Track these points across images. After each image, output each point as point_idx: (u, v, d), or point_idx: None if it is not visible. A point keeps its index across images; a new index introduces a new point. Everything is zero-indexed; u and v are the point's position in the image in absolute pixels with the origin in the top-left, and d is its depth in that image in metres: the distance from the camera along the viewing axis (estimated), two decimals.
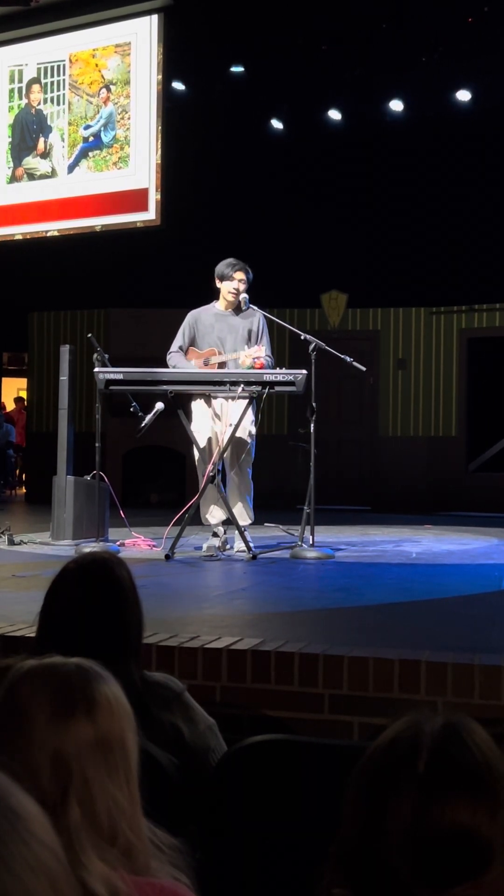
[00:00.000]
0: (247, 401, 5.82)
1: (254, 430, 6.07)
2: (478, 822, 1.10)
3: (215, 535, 6.03)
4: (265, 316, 6.16)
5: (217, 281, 6.16)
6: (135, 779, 1.21)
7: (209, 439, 6.01)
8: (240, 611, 3.96)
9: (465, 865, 1.10)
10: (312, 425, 5.80)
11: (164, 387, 5.76)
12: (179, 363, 6.04)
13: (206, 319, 6.17)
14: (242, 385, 5.68)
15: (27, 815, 0.82)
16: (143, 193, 8.91)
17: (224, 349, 6.06)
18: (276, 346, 10.80)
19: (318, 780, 1.90)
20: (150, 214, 8.86)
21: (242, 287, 6.10)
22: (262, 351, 5.85)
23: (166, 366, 6.08)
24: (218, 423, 5.96)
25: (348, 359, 6.08)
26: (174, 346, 6.16)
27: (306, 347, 5.94)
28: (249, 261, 6.25)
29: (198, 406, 6.06)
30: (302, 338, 6.05)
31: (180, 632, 3.23)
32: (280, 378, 5.66)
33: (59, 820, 1.10)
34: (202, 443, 5.96)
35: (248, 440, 6.04)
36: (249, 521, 6.14)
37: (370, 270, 11.04)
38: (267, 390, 5.67)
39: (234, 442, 5.96)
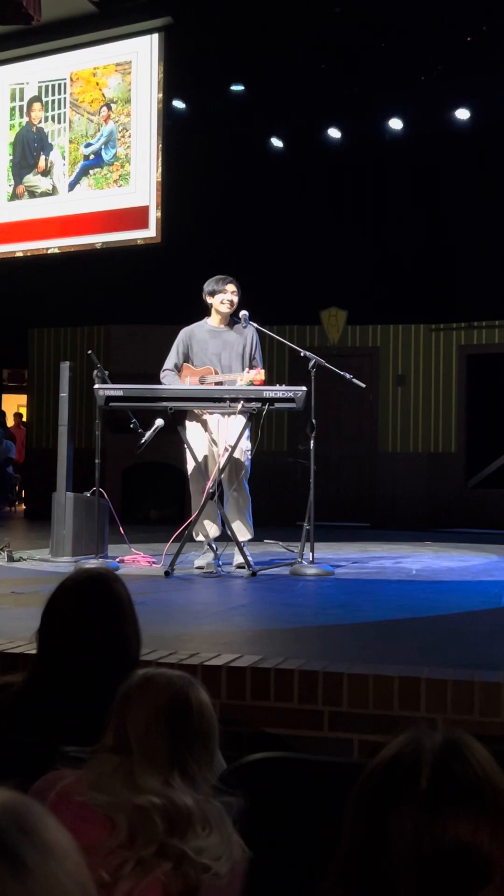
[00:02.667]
0: (245, 419, 5.83)
1: (249, 445, 6.08)
2: (479, 839, 1.10)
3: (211, 548, 6.02)
4: (258, 330, 6.18)
5: (207, 297, 6.18)
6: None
7: (205, 456, 6.01)
8: (239, 627, 3.96)
9: (466, 882, 1.10)
10: (312, 442, 5.81)
11: (164, 403, 5.77)
12: (173, 383, 6.04)
13: (200, 335, 6.18)
14: (242, 402, 5.69)
15: (60, 850, 0.81)
16: (143, 211, 8.94)
17: (220, 365, 6.07)
18: (276, 362, 10.81)
19: (318, 797, 1.89)
20: (150, 232, 8.88)
21: (236, 298, 6.13)
22: (261, 375, 5.86)
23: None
24: (214, 441, 5.95)
25: (348, 375, 6.09)
26: (168, 364, 6.17)
27: (306, 364, 5.95)
28: (249, 278, 6.28)
29: (192, 426, 6.06)
30: (301, 354, 6.06)
31: (180, 648, 3.22)
32: (280, 394, 5.67)
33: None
34: (195, 462, 5.96)
35: (245, 458, 6.05)
36: (249, 537, 6.14)
37: (370, 287, 11.06)
38: (267, 407, 5.68)
39: (233, 461, 5.96)
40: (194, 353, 6.15)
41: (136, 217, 8.98)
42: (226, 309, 6.13)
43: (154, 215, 8.87)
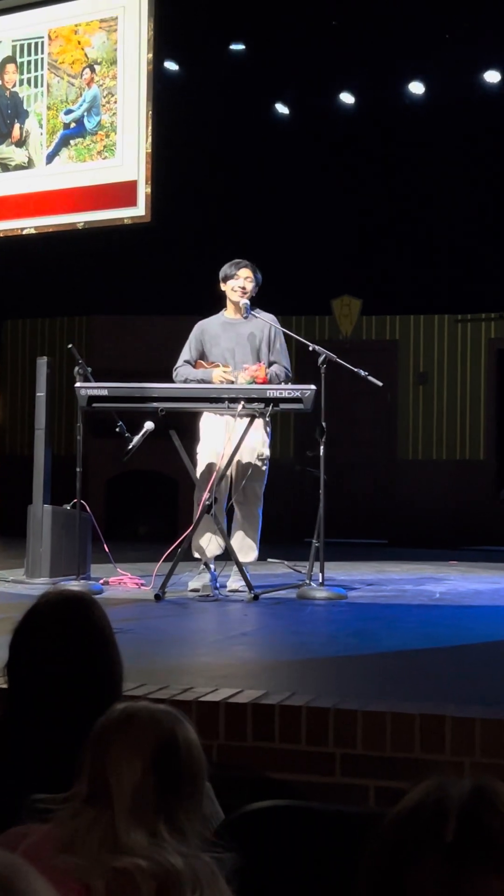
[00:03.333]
0: (259, 421, 5.85)
1: (267, 453, 6.08)
2: None
3: (207, 566, 6.03)
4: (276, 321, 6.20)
5: (221, 284, 6.24)
6: None
7: (210, 463, 6.00)
8: (239, 659, 3.96)
9: None
10: (322, 447, 5.82)
11: (155, 404, 5.78)
12: (190, 375, 6.09)
13: (212, 329, 6.24)
14: (243, 402, 5.69)
15: None
16: (130, 186, 8.94)
17: (233, 362, 6.09)
18: None
19: (329, 852, 1.89)
20: (138, 210, 8.89)
21: (250, 286, 6.17)
22: (262, 370, 5.88)
23: (157, 380, 6.11)
24: (227, 443, 5.95)
25: (363, 372, 6.10)
26: (180, 361, 6.23)
27: (315, 360, 5.97)
28: (250, 262, 6.28)
29: (208, 422, 6.08)
30: (310, 349, 6.08)
31: (172, 683, 3.22)
32: (285, 394, 5.69)
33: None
34: (204, 464, 5.97)
35: (259, 465, 6.04)
36: (253, 558, 6.16)
37: (387, 273, 11.07)
38: (271, 408, 5.68)
39: (240, 468, 5.96)
40: (208, 349, 6.22)
41: (122, 193, 8.99)
42: (238, 297, 6.16)
43: (143, 191, 8.88)
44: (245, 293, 6.16)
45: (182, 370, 6.19)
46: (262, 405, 5.71)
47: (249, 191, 10.99)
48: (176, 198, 9.75)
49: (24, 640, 2.14)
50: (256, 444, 5.98)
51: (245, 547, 6.07)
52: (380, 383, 6.24)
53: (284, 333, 6.37)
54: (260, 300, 6.35)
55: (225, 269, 6.23)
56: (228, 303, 6.26)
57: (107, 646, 2.16)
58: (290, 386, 5.84)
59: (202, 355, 6.23)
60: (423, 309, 11.24)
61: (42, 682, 2.08)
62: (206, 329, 6.25)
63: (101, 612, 2.19)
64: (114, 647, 2.17)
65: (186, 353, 6.25)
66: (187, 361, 6.20)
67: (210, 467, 5.97)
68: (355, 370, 6.09)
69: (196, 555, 6.05)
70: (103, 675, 2.13)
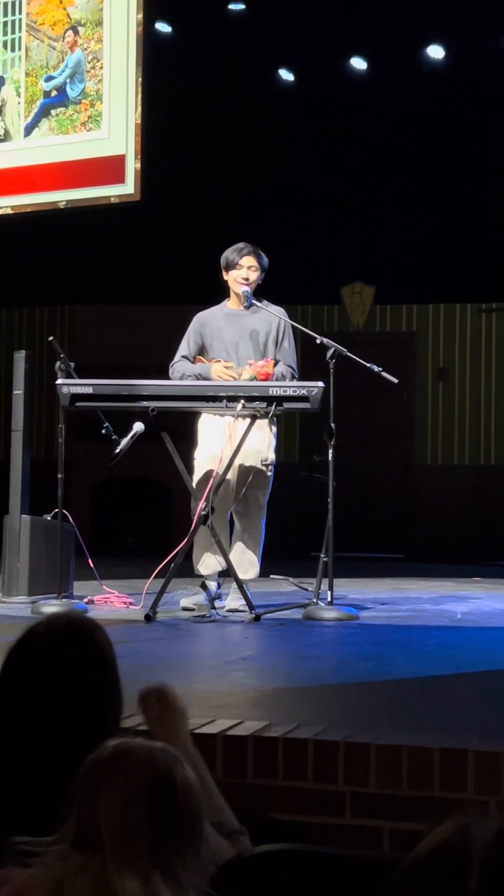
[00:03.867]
0: (258, 422, 5.84)
1: (272, 458, 6.09)
2: None
3: (204, 587, 6.03)
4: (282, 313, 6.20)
5: (223, 273, 6.23)
6: None
7: (208, 470, 5.99)
8: (239, 686, 3.96)
9: None
10: (331, 451, 5.82)
11: (145, 403, 5.78)
12: (187, 371, 6.11)
13: (214, 322, 6.24)
14: (243, 401, 5.70)
15: None
16: (118, 161, 8.95)
17: (237, 357, 6.10)
18: None
19: None
20: (127, 187, 8.89)
21: (254, 276, 6.17)
22: (269, 366, 5.87)
23: (148, 376, 6.11)
24: (227, 446, 5.95)
25: (376, 368, 6.11)
26: (177, 356, 6.24)
27: (323, 354, 5.98)
28: (254, 245, 6.28)
29: (206, 424, 6.10)
30: (318, 342, 6.08)
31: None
32: (290, 392, 5.68)
33: None
34: (202, 470, 5.98)
35: (264, 470, 6.04)
36: (254, 575, 6.16)
37: (403, 257, 11.07)
38: (274, 408, 5.68)
39: (241, 473, 5.96)
40: (209, 343, 6.22)
41: (109, 169, 8.99)
42: (240, 289, 6.17)
43: (132, 166, 8.88)
44: (249, 284, 6.16)
45: (179, 366, 6.19)
46: (264, 404, 5.70)
47: (250, 166, 10.99)
48: (169, 174, 9.76)
49: (18, 664, 2.14)
50: (260, 447, 5.98)
51: (245, 562, 6.06)
52: (395, 380, 6.23)
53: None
54: (261, 288, 6.34)
55: (227, 256, 6.22)
56: (231, 293, 6.26)
57: (109, 675, 2.17)
58: (295, 383, 5.84)
59: (202, 350, 6.22)
60: (443, 297, 11.25)
61: (31, 713, 2.08)
62: (207, 321, 6.25)
63: (104, 639, 2.21)
64: (115, 682, 2.18)
65: (184, 347, 6.25)
66: (185, 357, 6.20)
67: (208, 474, 5.97)
68: (368, 365, 6.08)
69: (203, 571, 6.06)
70: (100, 710, 2.14)
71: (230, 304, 6.29)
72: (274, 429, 6.09)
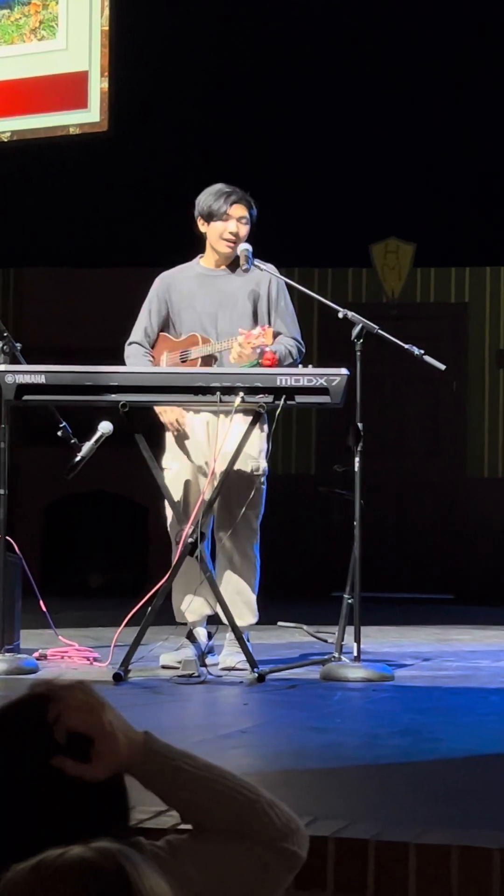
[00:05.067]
0: (250, 420, 5.85)
1: (264, 466, 6.08)
2: None
3: (191, 637, 6.00)
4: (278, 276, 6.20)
5: (200, 223, 6.24)
6: None
7: (188, 482, 5.99)
8: (237, 766, 3.91)
9: None
10: (357, 460, 5.81)
11: (114, 396, 5.78)
12: (138, 365, 6.10)
13: (184, 286, 6.25)
14: (242, 393, 5.67)
15: None
16: (79, 80, 8.96)
17: (215, 331, 6.09)
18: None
19: None
20: (90, 114, 8.91)
21: (244, 230, 6.16)
22: (269, 335, 5.84)
23: (116, 361, 6.12)
24: (212, 453, 5.95)
25: (417, 350, 6.12)
26: (135, 334, 6.28)
27: (347, 332, 5.97)
28: (250, 192, 6.28)
29: (190, 427, 6.11)
30: (340, 316, 6.10)
31: (139, 802, 3.18)
32: (304, 382, 5.66)
33: None
34: (178, 490, 5.94)
35: (255, 482, 6.04)
36: (252, 621, 6.16)
37: (451, 208, 11.06)
38: (283, 402, 5.66)
39: (228, 487, 5.94)
40: (176, 313, 6.22)
41: (67, 89, 9.01)
42: (225, 249, 6.18)
43: (97, 87, 8.89)
44: (237, 241, 6.13)
45: (131, 351, 6.15)
46: (269, 398, 5.68)
47: (250, 89, 11.00)
48: (145, 98, 9.75)
49: None
50: (251, 452, 5.97)
51: (238, 604, 6.05)
52: (442, 366, 6.24)
53: (301, 293, 6.34)
54: (264, 246, 6.33)
55: (206, 202, 6.20)
56: (208, 248, 6.25)
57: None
58: (311, 370, 5.80)
59: (167, 324, 6.20)
60: (503, 258, 11.24)
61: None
62: (174, 285, 6.25)
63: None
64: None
65: (144, 319, 6.25)
66: (146, 334, 6.18)
67: (188, 489, 5.94)
68: (406, 347, 6.10)
69: (189, 618, 6.05)
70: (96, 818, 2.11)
71: (204, 262, 6.27)
72: (265, 428, 6.05)
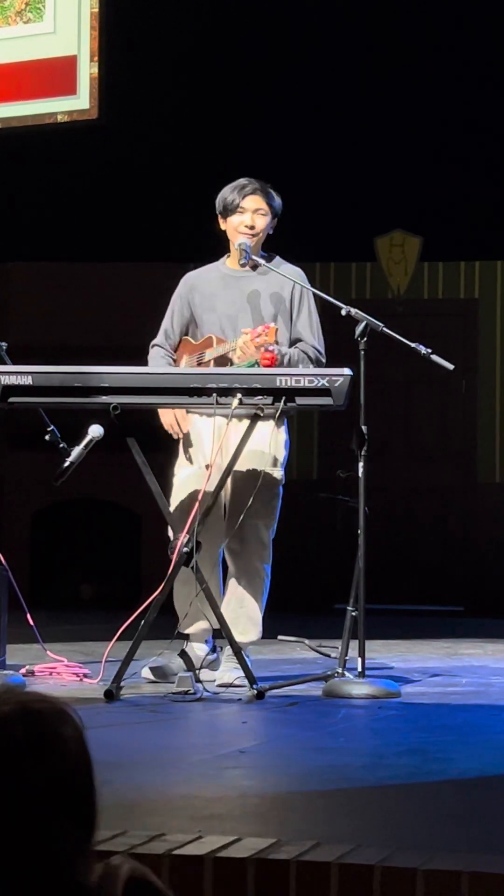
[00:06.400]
0: (271, 424, 5.90)
1: (280, 474, 6.11)
2: None
3: (183, 653, 6.01)
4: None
5: (220, 220, 6.25)
6: None
7: (193, 490, 5.99)
8: (236, 789, 3.96)
9: None
10: (362, 465, 5.82)
11: (105, 398, 5.79)
12: (159, 368, 6.15)
13: (207, 287, 6.31)
14: (239, 396, 5.69)
15: None
16: (67, 65, 8.97)
17: (234, 333, 6.13)
18: None
19: None
20: (79, 101, 8.92)
21: (261, 222, 6.19)
22: (272, 334, 5.85)
23: (108, 360, 6.12)
24: (218, 458, 5.95)
25: (424, 349, 6.12)
26: (159, 336, 6.32)
27: (350, 330, 6.00)
28: (262, 182, 6.30)
29: (194, 426, 6.14)
30: (343, 313, 6.11)
31: (131, 826, 3.20)
32: (305, 382, 5.67)
33: None
34: (184, 491, 5.95)
35: (268, 492, 6.04)
36: (254, 637, 6.19)
37: (459, 198, 11.07)
38: (283, 404, 5.67)
39: (236, 495, 5.96)
40: (199, 315, 6.27)
41: (54, 75, 9.02)
42: (245, 241, 6.19)
43: (86, 72, 8.90)
44: (254, 232, 6.15)
45: (153, 353, 6.21)
46: (268, 399, 5.69)
47: (248, 77, 11.00)
48: (137, 84, 9.76)
49: None
50: (263, 456, 5.97)
51: (242, 619, 6.06)
52: (450, 366, 6.26)
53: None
54: (268, 239, 6.34)
55: (224, 197, 6.25)
56: (232, 247, 6.28)
57: (79, 792, 2.14)
58: (313, 371, 5.81)
59: (189, 325, 6.23)
60: None
61: None
62: (197, 285, 6.28)
63: (76, 734, 2.18)
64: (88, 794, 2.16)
65: (166, 320, 6.31)
66: (167, 335, 6.24)
67: (192, 496, 5.95)
68: (413, 346, 6.11)
69: (189, 630, 6.07)
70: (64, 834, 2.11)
71: (230, 263, 6.30)
72: (284, 433, 6.07)
